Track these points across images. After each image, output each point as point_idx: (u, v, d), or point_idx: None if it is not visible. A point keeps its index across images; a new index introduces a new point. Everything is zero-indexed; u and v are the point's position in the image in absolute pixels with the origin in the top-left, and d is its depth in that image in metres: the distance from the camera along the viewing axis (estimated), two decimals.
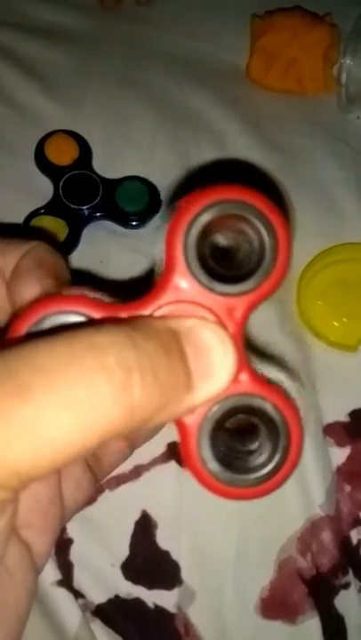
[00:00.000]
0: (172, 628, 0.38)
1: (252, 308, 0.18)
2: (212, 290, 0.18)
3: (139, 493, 0.40)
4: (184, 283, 0.18)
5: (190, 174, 0.49)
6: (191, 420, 0.18)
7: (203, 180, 0.49)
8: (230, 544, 0.40)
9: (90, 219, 0.47)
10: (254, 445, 0.19)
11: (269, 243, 0.18)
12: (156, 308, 0.18)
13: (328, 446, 0.42)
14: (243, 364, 0.18)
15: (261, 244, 0.18)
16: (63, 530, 0.39)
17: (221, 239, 0.20)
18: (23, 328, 0.18)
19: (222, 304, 0.18)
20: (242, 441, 0.20)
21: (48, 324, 0.18)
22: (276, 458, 0.18)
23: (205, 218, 0.18)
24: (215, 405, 0.18)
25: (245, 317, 0.18)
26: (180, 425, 0.18)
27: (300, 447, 0.18)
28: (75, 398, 0.14)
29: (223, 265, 0.20)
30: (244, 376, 0.18)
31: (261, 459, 0.18)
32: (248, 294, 0.18)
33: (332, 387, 0.43)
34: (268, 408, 0.18)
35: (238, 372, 0.18)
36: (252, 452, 0.19)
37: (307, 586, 0.39)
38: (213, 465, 0.18)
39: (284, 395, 0.19)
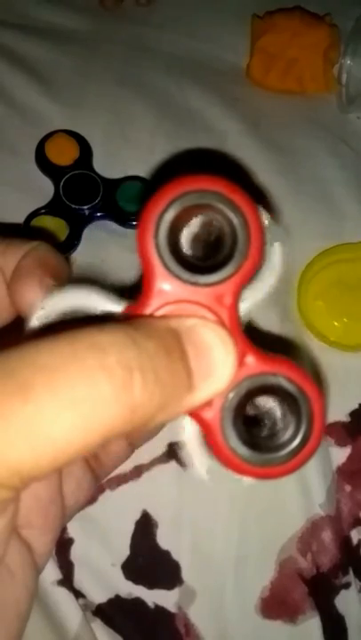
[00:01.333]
0: (172, 628, 0.38)
1: (239, 289, 0.18)
2: (196, 284, 0.18)
3: (139, 493, 0.40)
4: (167, 285, 0.18)
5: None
6: (211, 415, 0.18)
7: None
8: (231, 544, 0.40)
9: (90, 219, 0.47)
10: (279, 422, 0.19)
11: (238, 222, 0.18)
12: (154, 309, 0.18)
13: (328, 446, 0.42)
14: (246, 347, 0.18)
15: (231, 225, 0.18)
16: (64, 529, 0.39)
17: (193, 230, 0.20)
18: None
19: (210, 294, 0.18)
20: (266, 420, 0.20)
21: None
22: (302, 429, 0.18)
23: (170, 215, 0.18)
24: (230, 393, 0.18)
25: (236, 301, 0.18)
26: (200, 421, 0.18)
27: (323, 413, 0.18)
28: (76, 397, 0.14)
29: (200, 254, 0.20)
30: (250, 358, 0.18)
31: (288, 433, 0.18)
32: (232, 278, 0.18)
33: (332, 387, 0.43)
34: (282, 382, 0.18)
35: (243, 355, 0.18)
36: (277, 429, 0.19)
37: (307, 585, 0.39)
38: (243, 451, 0.18)
39: (295, 365, 0.19)
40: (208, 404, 0.18)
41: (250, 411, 0.19)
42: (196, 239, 0.20)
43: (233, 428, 0.18)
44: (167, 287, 0.18)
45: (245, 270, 0.18)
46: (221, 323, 0.18)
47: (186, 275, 0.18)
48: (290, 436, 0.18)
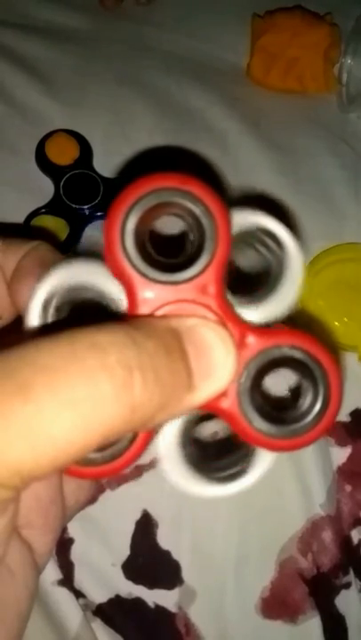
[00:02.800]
0: (172, 628, 0.38)
1: (220, 275, 0.18)
2: (176, 283, 0.18)
3: (140, 493, 0.40)
4: (149, 292, 0.18)
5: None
6: (228, 403, 0.18)
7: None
8: (231, 544, 0.40)
9: (91, 218, 0.47)
10: (298, 391, 0.19)
11: (200, 210, 0.18)
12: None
13: (329, 446, 0.42)
14: (243, 328, 0.18)
15: (194, 216, 0.18)
16: (64, 529, 0.39)
17: (160, 228, 0.20)
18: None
19: (193, 289, 0.18)
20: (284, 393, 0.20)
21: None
22: (320, 393, 0.18)
23: (132, 224, 0.18)
24: (241, 378, 0.18)
25: (220, 287, 0.18)
26: (220, 412, 0.18)
27: (338, 372, 0.18)
28: (76, 397, 0.14)
29: (171, 253, 0.20)
30: (250, 338, 0.18)
31: (308, 400, 0.18)
32: (210, 266, 0.18)
33: None
34: (288, 352, 0.18)
35: (243, 336, 0.18)
36: (296, 399, 0.19)
37: (307, 585, 0.39)
38: (268, 428, 0.18)
39: (298, 332, 0.18)
40: (223, 393, 0.18)
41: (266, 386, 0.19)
42: (163, 239, 0.20)
43: (253, 409, 0.18)
44: (150, 294, 0.18)
45: (220, 255, 0.18)
46: (215, 313, 0.18)
47: (164, 276, 0.18)
48: (310, 402, 0.18)
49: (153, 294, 0.18)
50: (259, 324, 0.19)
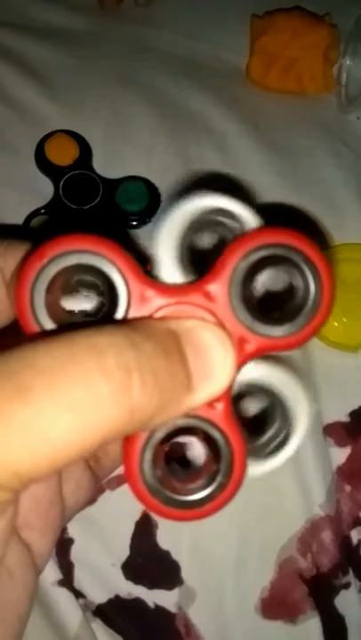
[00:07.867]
0: (172, 628, 0.38)
1: (141, 276, 0.18)
2: (125, 318, 0.18)
3: None
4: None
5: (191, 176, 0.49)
6: (253, 345, 0.18)
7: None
8: (231, 544, 0.40)
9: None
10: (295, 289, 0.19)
11: (114, 277, 0.18)
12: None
13: (328, 446, 0.42)
14: (199, 290, 0.18)
15: (104, 278, 0.18)
16: (64, 530, 0.39)
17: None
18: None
19: (137, 304, 0.18)
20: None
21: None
22: (306, 269, 0.18)
23: (48, 323, 0.18)
24: (241, 317, 0.18)
25: (155, 286, 0.18)
26: (255, 355, 0.18)
27: (308, 241, 0.18)
28: (74, 399, 0.14)
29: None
30: (212, 287, 0.18)
31: (300, 283, 0.18)
32: (129, 282, 0.18)
33: (332, 387, 0.43)
34: (251, 260, 0.18)
35: (207, 296, 0.18)
36: (295, 295, 0.19)
37: (307, 586, 0.39)
38: (290, 328, 0.18)
39: (238, 242, 0.18)
40: (244, 340, 0.18)
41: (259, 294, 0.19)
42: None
43: (272, 326, 0.18)
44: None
45: (131, 270, 0.18)
46: (168, 306, 0.18)
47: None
48: (303, 285, 0.18)
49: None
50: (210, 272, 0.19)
